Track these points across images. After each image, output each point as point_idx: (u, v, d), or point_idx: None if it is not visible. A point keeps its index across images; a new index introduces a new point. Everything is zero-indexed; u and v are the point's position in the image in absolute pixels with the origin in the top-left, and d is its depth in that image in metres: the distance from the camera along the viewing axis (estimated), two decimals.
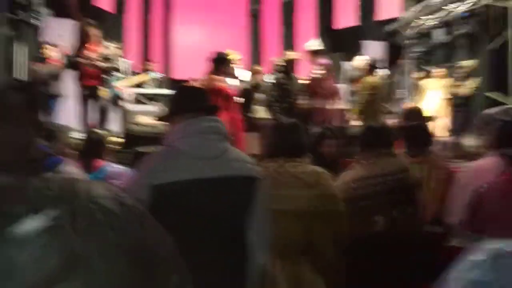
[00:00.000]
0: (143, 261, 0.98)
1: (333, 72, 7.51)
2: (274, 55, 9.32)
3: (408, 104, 7.98)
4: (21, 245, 0.93)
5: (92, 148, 4.08)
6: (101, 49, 7.20)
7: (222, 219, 1.89)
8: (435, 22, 9.36)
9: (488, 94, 7.85)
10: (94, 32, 7.16)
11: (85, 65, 6.95)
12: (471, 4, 8.29)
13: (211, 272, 1.69)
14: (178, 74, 10.93)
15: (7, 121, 1.01)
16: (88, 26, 7.24)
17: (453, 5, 8.62)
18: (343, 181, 2.73)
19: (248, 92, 7.42)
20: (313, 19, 12.24)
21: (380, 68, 8.15)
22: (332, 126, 5.01)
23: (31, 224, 0.94)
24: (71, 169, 1.77)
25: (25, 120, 1.04)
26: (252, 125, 6.64)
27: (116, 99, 7.62)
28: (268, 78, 7.63)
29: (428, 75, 9.01)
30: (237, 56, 7.76)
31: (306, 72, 7.47)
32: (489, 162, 2.56)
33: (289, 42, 11.84)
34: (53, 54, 7.44)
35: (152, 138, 6.67)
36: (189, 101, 2.05)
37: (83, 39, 7.20)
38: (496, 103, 6.78)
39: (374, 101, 7.08)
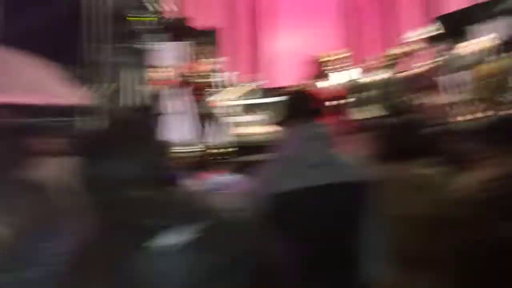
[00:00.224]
0: (268, 273, 0.90)
1: (444, 61, 6.99)
2: (377, 50, 8.92)
3: None
4: (165, 258, 0.90)
5: (201, 161, 4.21)
6: (208, 65, 7.53)
7: (335, 228, 1.82)
8: None
9: None
10: (200, 49, 7.54)
11: (194, 81, 7.38)
12: None
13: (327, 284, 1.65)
14: (280, 81, 10.96)
15: (137, 140, 1.09)
16: (194, 45, 7.68)
17: None
18: (473, 182, 2.44)
19: (353, 92, 7.18)
20: (418, 5, 11.53)
21: (499, 51, 7.43)
22: (449, 122, 4.62)
23: (173, 238, 0.91)
24: (191, 183, 1.83)
25: (151, 138, 1.12)
26: (361, 126, 6.38)
27: (221, 112, 7.85)
28: (373, 75, 7.32)
29: None
30: (338, 55, 7.55)
31: (414, 65, 7.03)
32: None
33: (391, 35, 11.30)
34: (164, 75, 8.01)
35: (258, 147, 6.72)
36: (298, 107, 2.05)
37: (191, 57, 7.67)
38: None
39: (492, 90, 6.45)
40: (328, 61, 6.62)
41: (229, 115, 7.98)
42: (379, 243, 1.86)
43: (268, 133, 6.93)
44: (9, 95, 4.04)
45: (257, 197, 1.83)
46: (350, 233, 1.85)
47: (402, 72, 7.07)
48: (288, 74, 8.21)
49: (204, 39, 8.93)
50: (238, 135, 7.36)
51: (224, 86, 8.14)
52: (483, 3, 10.03)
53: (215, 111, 7.79)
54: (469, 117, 6.51)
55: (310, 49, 6.79)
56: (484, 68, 6.54)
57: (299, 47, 10.30)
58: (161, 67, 8.26)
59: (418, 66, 6.64)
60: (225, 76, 8.50)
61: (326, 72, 6.06)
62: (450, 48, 8.60)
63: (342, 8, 12.34)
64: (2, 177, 2.29)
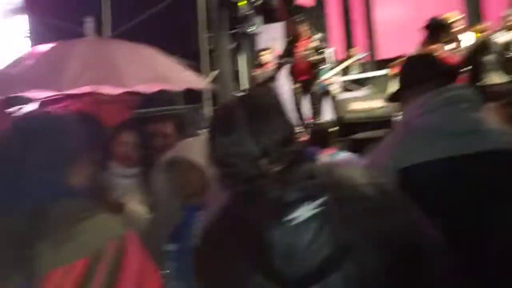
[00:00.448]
0: (406, 251, 0.86)
1: None
2: (501, 8, 8.12)
3: None
4: (298, 231, 0.93)
5: (318, 139, 4.21)
6: (310, 43, 7.43)
7: (483, 202, 1.62)
8: None
9: None
10: (301, 28, 7.49)
11: (297, 61, 7.31)
12: None
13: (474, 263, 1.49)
14: (385, 53, 10.45)
15: (273, 115, 1.14)
16: (295, 24, 7.58)
17: None
18: None
19: (475, 57, 6.61)
20: None
21: None
22: None
23: (305, 211, 0.93)
24: (325, 159, 1.80)
25: (283, 116, 1.15)
26: (489, 94, 5.87)
27: (326, 90, 7.74)
28: (498, 36, 6.67)
29: None
30: (455, 17, 6.97)
31: None
32: None
33: None
34: (268, 57, 8.05)
35: (367, 123, 6.51)
36: (421, 72, 1.82)
37: (293, 37, 7.64)
38: None
39: None
40: (456, 21, 6.12)
41: (334, 93, 7.84)
42: None
43: (378, 108, 6.67)
44: (145, 86, 4.34)
45: (382, 172, 1.62)
46: (502, 209, 1.62)
47: None
48: (399, 45, 7.81)
49: (311, 15, 8.83)
50: (346, 112, 7.19)
51: (328, 63, 7.99)
52: None
53: (326, 88, 7.70)
54: None
55: (424, 15, 6.34)
56: None
57: (410, 14, 9.71)
58: (267, 49, 8.27)
59: None
60: (329, 53, 8.35)
61: (449, 35, 5.60)
62: None
63: None
64: (143, 160, 2.48)
